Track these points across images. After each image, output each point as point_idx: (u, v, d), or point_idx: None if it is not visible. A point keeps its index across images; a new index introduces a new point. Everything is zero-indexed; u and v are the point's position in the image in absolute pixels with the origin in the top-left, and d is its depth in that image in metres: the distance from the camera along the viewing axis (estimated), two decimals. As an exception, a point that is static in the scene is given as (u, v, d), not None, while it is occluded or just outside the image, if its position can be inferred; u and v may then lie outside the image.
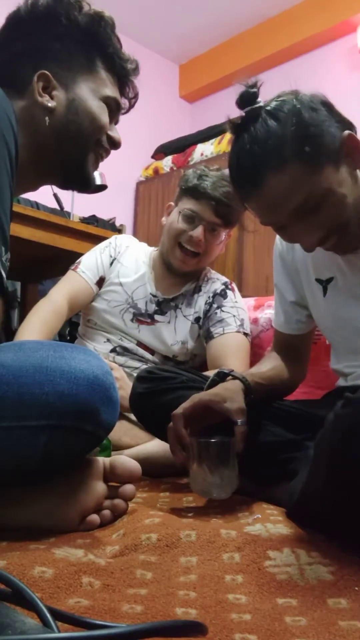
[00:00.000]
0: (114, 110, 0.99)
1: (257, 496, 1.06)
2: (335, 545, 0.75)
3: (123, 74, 1.00)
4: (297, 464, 0.99)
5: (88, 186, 1.01)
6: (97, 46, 0.96)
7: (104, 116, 0.96)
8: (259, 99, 0.96)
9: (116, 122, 1.01)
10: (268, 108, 0.95)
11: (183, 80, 4.62)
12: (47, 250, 2.23)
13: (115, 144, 0.99)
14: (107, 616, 0.53)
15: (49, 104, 0.91)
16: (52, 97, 0.92)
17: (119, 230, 3.03)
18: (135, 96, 1.04)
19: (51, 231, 2.17)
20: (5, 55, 0.93)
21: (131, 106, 1.04)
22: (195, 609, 0.57)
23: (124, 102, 1.02)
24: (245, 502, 1.02)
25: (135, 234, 3.96)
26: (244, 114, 0.97)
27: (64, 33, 0.93)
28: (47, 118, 0.91)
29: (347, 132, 0.94)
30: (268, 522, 0.88)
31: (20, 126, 0.86)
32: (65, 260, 1.77)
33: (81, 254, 1.76)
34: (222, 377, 1.09)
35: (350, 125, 0.97)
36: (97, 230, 2.39)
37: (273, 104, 0.95)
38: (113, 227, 3.23)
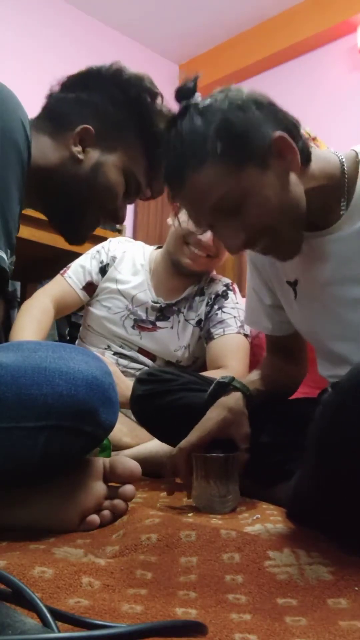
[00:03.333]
0: (132, 192, 1.02)
1: (257, 496, 1.07)
2: (335, 545, 0.75)
3: (159, 168, 1.02)
4: (297, 464, 0.99)
5: (75, 242, 1.04)
6: (150, 135, 0.99)
7: (120, 193, 0.99)
8: (196, 94, 0.94)
9: (130, 203, 1.04)
10: (198, 105, 0.93)
11: (183, 80, 4.62)
12: (47, 250, 2.23)
13: (117, 221, 1.03)
14: (107, 616, 0.53)
15: (79, 156, 0.95)
16: (84, 151, 0.95)
17: (118, 231, 3.02)
18: (160, 192, 1.07)
19: (51, 231, 2.16)
20: (69, 94, 0.97)
21: (152, 197, 1.08)
22: (195, 609, 0.57)
23: (147, 192, 1.06)
24: (245, 502, 1.02)
25: (135, 234, 3.96)
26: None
27: (128, 109, 0.98)
28: (71, 166, 0.95)
29: (278, 132, 0.90)
30: (268, 522, 0.88)
31: (42, 154, 0.91)
32: (65, 260, 1.77)
33: (81, 254, 1.76)
34: (223, 386, 1.09)
35: (291, 126, 0.93)
36: (96, 230, 2.39)
37: (205, 101, 0.93)
38: (113, 227, 3.23)
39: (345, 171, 0.97)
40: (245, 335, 1.61)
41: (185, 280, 1.66)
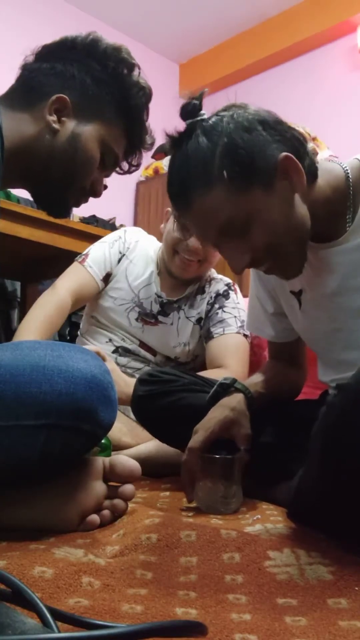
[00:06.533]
0: (109, 165, 1.01)
1: (257, 496, 1.07)
2: (335, 545, 0.75)
3: (137, 142, 1.02)
4: (297, 464, 0.99)
5: (58, 216, 1.03)
6: (127, 108, 0.98)
7: (96, 165, 0.98)
8: (202, 112, 0.94)
9: (106, 176, 1.03)
10: (204, 124, 0.92)
11: (183, 80, 4.63)
12: (47, 250, 2.23)
13: (95, 194, 1.02)
14: (107, 616, 0.53)
15: (54, 126, 0.93)
16: (60, 122, 0.93)
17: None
18: (137, 166, 1.06)
19: (51, 231, 2.17)
20: (43, 64, 0.95)
21: (128, 171, 1.06)
22: (195, 609, 0.57)
23: (124, 165, 1.05)
24: (245, 502, 1.02)
25: (135, 233, 3.95)
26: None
27: (104, 81, 0.96)
28: (47, 137, 0.93)
29: (284, 153, 0.89)
30: (268, 522, 0.88)
31: (16, 130, 0.89)
32: (65, 260, 1.77)
33: (79, 253, 1.75)
34: (224, 388, 1.09)
35: (297, 144, 0.93)
36: (97, 230, 2.39)
37: (211, 119, 0.92)
38: (113, 227, 3.23)
39: (350, 182, 0.97)
40: (245, 336, 1.61)
41: (184, 280, 1.66)
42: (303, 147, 0.93)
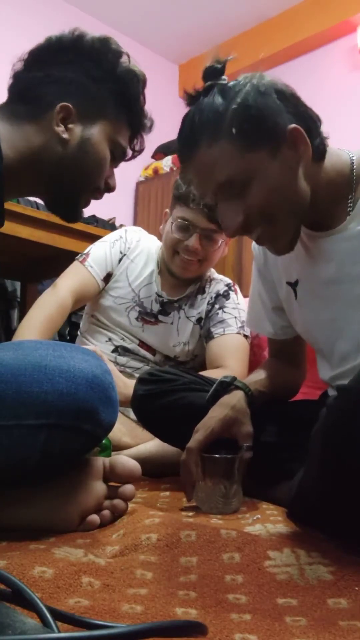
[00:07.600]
0: (118, 158, 1.02)
1: (257, 496, 1.07)
2: (335, 545, 0.75)
3: (138, 128, 1.03)
4: (297, 464, 0.99)
5: (74, 220, 1.03)
6: (125, 98, 0.98)
7: (108, 163, 0.99)
8: (223, 76, 0.95)
9: (116, 167, 1.04)
10: (222, 85, 0.94)
11: (183, 80, 4.62)
12: (47, 250, 2.23)
13: (110, 190, 1.03)
14: (107, 616, 0.53)
15: (64, 136, 0.93)
16: (67, 130, 0.94)
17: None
18: (141, 150, 1.07)
19: (51, 231, 2.17)
20: (38, 74, 0.95)
21: (133, 157, 1.07)
22: (195, 609, 0.57)
23: (129, 153, 1.05)
24: (245, 502, 1.02)
25: (135, 234, 3.96)
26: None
27: (101, 77, 0.96)
28: (58, 147, 0.93)
29: (293, 125, 0.91)
30: (268, 522, 0.88)
31: (23, 142, 0.90)
32: (65, 260, 1.77)
33: (79, 253, 1.75)
34: (224, 386, 1.09)
35: (310, 121, 0.94)
36: (97, 230, 2.39)
37: (230, 83, 0.94)
38: (113, 227, 3.23)
39: (355, 170, 0.97)
40: (245, 336, 1.61)
41: (185, 280, 1.66)
42: (315, 125, 0.95)
